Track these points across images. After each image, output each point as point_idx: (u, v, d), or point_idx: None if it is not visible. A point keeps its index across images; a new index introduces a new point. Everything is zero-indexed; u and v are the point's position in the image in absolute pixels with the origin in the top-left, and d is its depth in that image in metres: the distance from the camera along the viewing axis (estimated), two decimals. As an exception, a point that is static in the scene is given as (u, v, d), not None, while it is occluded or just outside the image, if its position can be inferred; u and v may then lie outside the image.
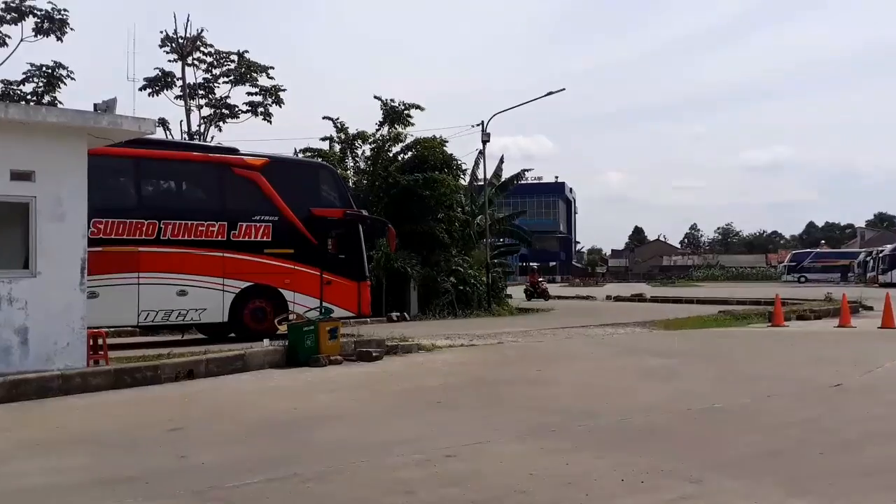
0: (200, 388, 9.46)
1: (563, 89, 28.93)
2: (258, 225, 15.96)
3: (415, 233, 24.72)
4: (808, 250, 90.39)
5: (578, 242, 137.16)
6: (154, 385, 9.57)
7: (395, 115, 26.85)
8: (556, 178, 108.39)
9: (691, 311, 23.71)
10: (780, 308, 18.82)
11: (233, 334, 15.93)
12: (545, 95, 28.94)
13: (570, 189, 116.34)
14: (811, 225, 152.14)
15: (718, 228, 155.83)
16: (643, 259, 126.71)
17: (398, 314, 22.57)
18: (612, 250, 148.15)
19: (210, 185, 16.36)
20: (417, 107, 27.12)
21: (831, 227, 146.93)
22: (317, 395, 9.03)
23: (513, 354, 12.98)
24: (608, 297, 38.90)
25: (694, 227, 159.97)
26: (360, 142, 27.30)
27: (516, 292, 39.31)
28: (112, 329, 15.61)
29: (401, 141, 26.94)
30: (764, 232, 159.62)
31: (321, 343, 11.74)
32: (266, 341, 12.26)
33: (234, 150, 16.76)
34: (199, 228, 15.42)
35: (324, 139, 28.42)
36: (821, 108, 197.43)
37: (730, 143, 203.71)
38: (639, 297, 36.82)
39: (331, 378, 10.31)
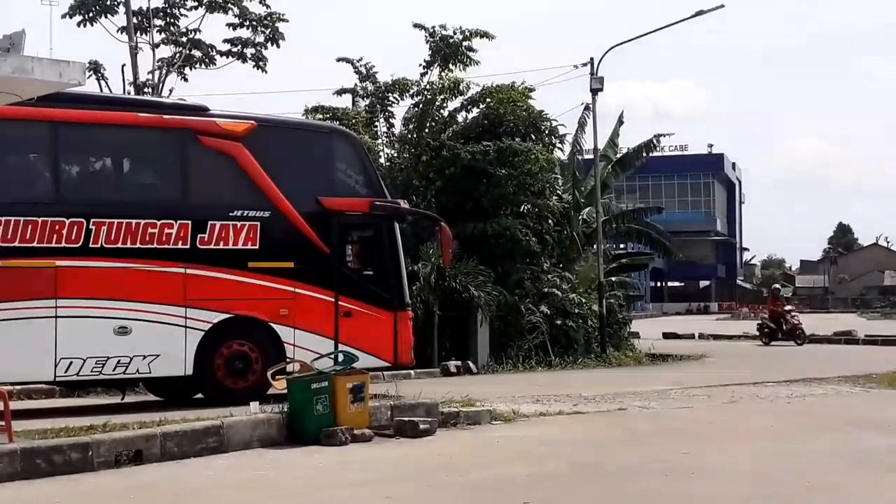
0: (153, 480, 9.57)
1: (723, 6, 28.61)
2: (239, 225, 16.01)
3: (483, 235, 24.78)
4: None
5: (746, 249, 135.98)
6: (83, 473, 9.68)
7: (449, 50, 27.00)
8: (710, 147, 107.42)
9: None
10: None
11: (200, 395, 16.16)
12: (694, 16, 28.69)
13: (734, 165, 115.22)
14: None
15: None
16: (851, 276, 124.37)
17: (458, 363, 22.63)
18: (802, 262, 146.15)
19: (165, 163, 16.59)
20: (484, 35, 27.17)
21: None
22: (332, 493, 9.07)
23: (643, 428, 12.89)
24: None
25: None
26: (396, 94, 27.54)
27: (645, 328, 39.04)
28: (15, 387, 16.00)
29: (460, 92, 27.06)
30: None
31: (339, 409, 11.79)
32: (254, 405, 12.39)
33: (201, 109, 16.88)
34: (149, 231, 15.43)
35: (341, 92, 28.72)
36: None
37: None
38: (846, 337, 36.22)
39: (354, 464, 10.33)
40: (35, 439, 10.23)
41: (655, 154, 35.89)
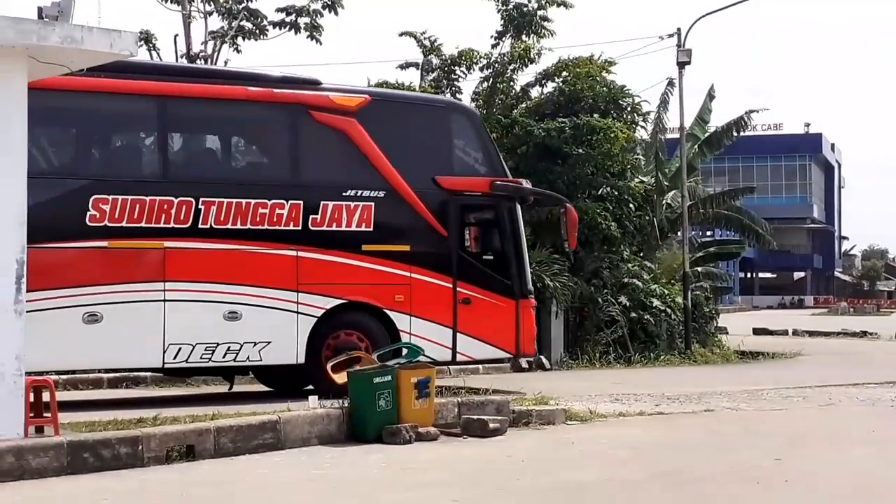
0: (204, 477, 9.71)
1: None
2: (353, 205, 16.18)
3: (559, 220, 24.69)
4: None
5: (846, 238, 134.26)
6: (132, 469, 9.85)
7: (522, 19, 26.92)
8: (807, 126, 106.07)
9: None
10: None
11: (311, 386, 16.14)
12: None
13: (833, 146, 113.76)
14: None
15: None
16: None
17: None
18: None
19: (275, 139, 16.85)
20: (562, 3, 27.05)
21: None
22: (395, 495, 9.12)
23: (731, 432, 12.81)
24: (901, 335, 37.90)
25: None
26: (463, 68, 27.53)
27: (734, 323, 38.76)
28: (62, 377, 16.32)
29: (530, 59, 26.96)
30: None
31: (403, 405, 11.88)
32: (312, 400, 12.52)
33: (313, 83, 16.96)
34: (260, 211, 15.63)
35: (404, 66, 28.75)
36: None
37: None
38: (958, 336, 35.68)
39: (418, 465, 10.39)
40: (83, 432, 10.40)
41: (746, 133, 35.52)
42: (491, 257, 17.10)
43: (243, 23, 29.42)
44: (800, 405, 15.51)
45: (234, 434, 10.82)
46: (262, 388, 17.44)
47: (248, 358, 15.47)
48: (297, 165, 16.40)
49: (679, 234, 29.14)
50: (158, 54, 28.68)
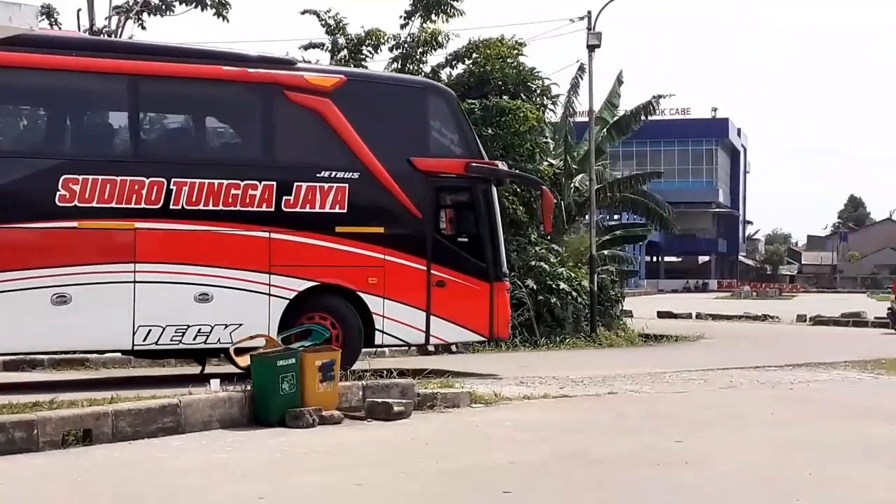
0: (102, 463, 9.57)
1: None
2: (326, 186, 16.15)
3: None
4: None
5: (750, 223, 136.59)
6: (27, 454, 9.70)
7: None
8: (714, 111, 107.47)
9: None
10: None
11: None
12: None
13: (739, 131, 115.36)
14: None
15: None
16: (862, 254, 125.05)
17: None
18: (809, 237, 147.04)
19: (249, 120, 16.80)
20: (472, -19, 27.08)
21: None
22: (297, 478, 9.09)
23: (634, 414, 12.95)
24: (800, 319, 38.58)
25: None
26: (370, 49, 27.42)
27: (639, 306, 39.19)
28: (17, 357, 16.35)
29: (439, 44, 26.96)
30: None
31: (307, 388, 11.83)
32: (214, 383, 12.41)
33: (288, 63, 17.16)
34: (232, 192, 15.60)
35: (309, 47, 28.54)
36: None
37: None
38: (854, 319, 36.55)
39: (322, 448, 10.36)
40: (-26, 416, 10.21)
41: (655, 117, 35.97)
42: (466, 240, 17.21)
43: (151, -1, 29.06)
44: (701, 388, 15.74)
45: (132, 418, 10.67)
46: (231, 370, 17.23)
47: (218, 340, 15.37)
48: (271, 146, 16.41)
49: (587, 217, 29.34)
50: (60, 29, 28.26)
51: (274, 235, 15.74)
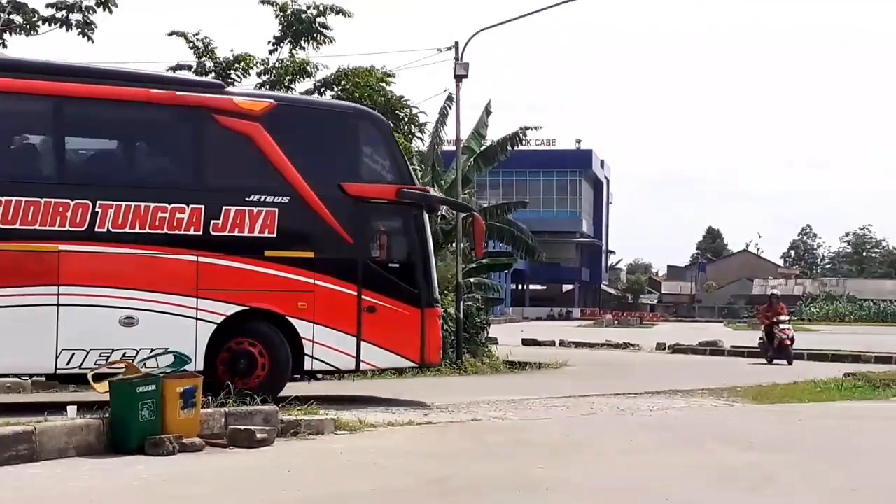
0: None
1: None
2: (256, 210, 16.07)
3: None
4: None
5: (613, 252, 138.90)
6: None
7: (301, 26, 26.87)
8: (579, 142, 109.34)
9: (799, 373, 24.00)
10: (950, 371, 19.14)
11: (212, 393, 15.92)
12: (566, 2, 29.08)
13: (602, 162, 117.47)
14: None
15: (848, 235, 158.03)
16: (719, 284, 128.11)
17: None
18: (669, 268, 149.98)
19: (177, 143, 16.65)
20: (341, 11, 27.14)
21: None
22: (157, 505, 8.93)
23: (497, 440, 13.01)
24: (660, 347, 39.25)
25: (807, 233, 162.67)
26: (239, 73, 27.24)
27: (504, 334, 39.46)
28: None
29: (307, 73, 26.93)
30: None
31: (167, 415, 11.65)
32: (71, 410, 12.15)
33: (217, 86, 16.99)
34: (159, 215, 15.51)
35: (177, 69, 28.17)
36: None
37: (873, 90, 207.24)
38: (712, 348, 37.27)
39: (181, 477, 10.20)
40: None
41: (522, 148, 36.24)
42: (397, 265, 17.12)
43: (12, 16, 28.41)
44: (564, 414, 15.90)
45: (-15, 445, 10.40)
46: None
47: (144, 365, 14.84)
48: (199, 169, 16.22)
49: (453, 245, 29.47)
50: None
51: (202, 259, 15.66)
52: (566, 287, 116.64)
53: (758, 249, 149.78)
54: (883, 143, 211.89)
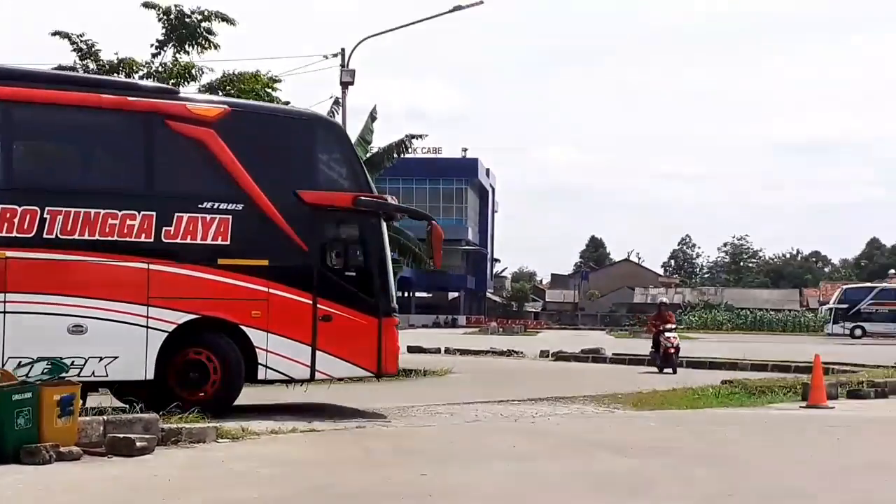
0: None
1: (482, 2, 29.33)
2: (209, 218, 15.87)
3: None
4: (869, 285, 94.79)
5: (498, 261, 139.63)
6: None
7: (185, 31, 26.59)
8: (465, 151, 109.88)
9: (677, 380, 24.40)
10: (821, 378, 19.61)
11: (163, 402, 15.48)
12: (451, 11, 29.30)
13: (488, 171, 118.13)
14: (874, 243, 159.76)
15: (726, 245, 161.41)
16: (601, 292, 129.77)
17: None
18: (553, 276, 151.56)
19: (129, 149, 16.35)
20: (225, 19, 26.96)
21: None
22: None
23: (381, 448, 13.01)
24: (543, 354, 39.54)
25: (687, 242, 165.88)
26: (122, 75, 26.82)
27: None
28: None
29: (192, 77, 26.65)
30: (799, 253, 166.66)
31: (44, 423, 11.42)
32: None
33: (170, 92, 16.77)
34: (109, 222, 15.25)
35: (58, 70, 27.68)
36: None
37: (752, 106, 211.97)
38: (594, 355, 37.61)
39: (57, 486, 10.00)
40: None
41: (408, 156, 36.23)
42: (353, 274, 16.91)
43: None
44: (447, 421, 15.96)
45: None
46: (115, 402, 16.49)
47: (92, 373, 14.94)
48: (151, 176, 16.04)
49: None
50: None
51: (152, 267, 15.46)
52: (452, 295, 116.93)
53: (639, 258, 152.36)
54: (758, 156, 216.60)
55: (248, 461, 11.65)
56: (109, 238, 15.25)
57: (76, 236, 15.07)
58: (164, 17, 26.62)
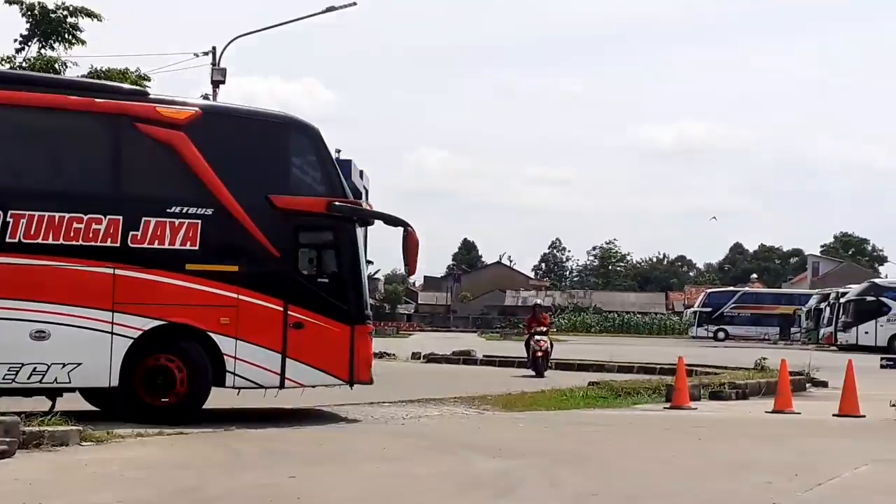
0: None
1: (355, 3, 29.32)
2: (177, 222, 15.54)
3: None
4: (732, 289, 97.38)
5: (371, 262, 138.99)
6: None
7: (49, 25, 26.13)
8: (339, 152, 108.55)
9: (547, 382, 24.70)
10: (685, 379, 20.07)
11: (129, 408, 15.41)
12: (325, 11, 29.23)
13: (361, 173, 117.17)
14: (737, 248, 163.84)
15: (595, 249, 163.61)
16: (474, 294, 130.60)
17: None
18: (426, 278, 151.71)
19: (96, 151, 16.08)
20: (91, 14, 26.56)
21: (768, 253, 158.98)
22: None
23: (250, 451, 12.90)
24: (415, 356, 39.64)
25: (557, 246, 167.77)
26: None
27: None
28: None
29: (58, 73, 26.19)
30: (665, 257, 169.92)
31: None
32: None
33: (140, 94, 16.39)
34: (74, 226, 14.97)
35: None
36: (773, 55, 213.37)
37: (620, 110, 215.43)
38: (465, 357, 37.83)
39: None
40: None
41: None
42: (326, 280, 16.61)
43: None
44: (317, 424, 15.94)
45: None
46: (86, 406, 16.21)
47: (55, 380, 14.66)
48: (118, 179, 15.73)
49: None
50: None
51: (119, 272, 15.15)
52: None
53: (510, 261, 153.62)
54: (627, 161, 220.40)
55: (112, 465, 11.45)
56: (74, 242, 14.99)
57: (40, 240, 14.82)
58: (28, 13, 26.15)
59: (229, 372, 15.67)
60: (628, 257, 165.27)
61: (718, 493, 10.64)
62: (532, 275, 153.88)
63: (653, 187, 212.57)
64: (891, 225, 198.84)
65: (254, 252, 16.14)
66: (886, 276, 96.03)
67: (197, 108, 16.56)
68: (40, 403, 15.60)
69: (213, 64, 28.41)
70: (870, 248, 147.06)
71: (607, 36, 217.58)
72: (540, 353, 29.66)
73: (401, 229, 17.60)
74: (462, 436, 14.85)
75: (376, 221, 18.22)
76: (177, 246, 15.59)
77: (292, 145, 17.31)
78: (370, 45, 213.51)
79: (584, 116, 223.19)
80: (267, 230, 16.12)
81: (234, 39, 29.01)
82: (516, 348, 34.59)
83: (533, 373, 29.33)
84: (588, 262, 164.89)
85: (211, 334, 15.68)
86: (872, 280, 71.13)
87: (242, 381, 15.91)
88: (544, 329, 30.85)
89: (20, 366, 14.59)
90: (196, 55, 29.13)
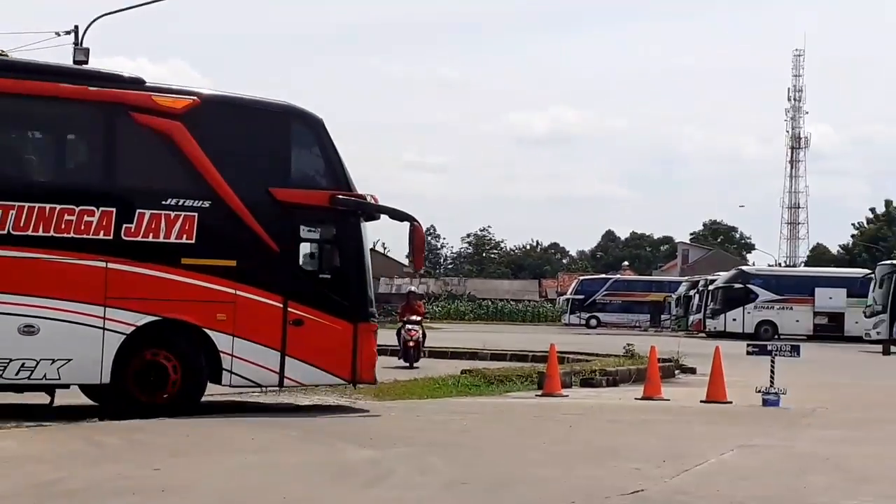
0: None
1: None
2: (173, 215, 15.22)
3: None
4: (604, 276, 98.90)
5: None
6: None
7: None
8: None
9: (420, 371, 24.77)
10: (556, 367, 20.30)
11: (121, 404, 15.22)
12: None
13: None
14: (609, 236, 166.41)
15: (469, 236, 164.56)
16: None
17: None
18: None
19: (90, 141, 16.02)
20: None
21: (639, 241, 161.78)
22: None
23: (113, 442, 12.69)
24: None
25: (431, 233, 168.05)
26: None
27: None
28: None
29: None
30: (538, 244, 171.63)
31: None
32: None
33: (136, 82, 15.94)
34: (66, 218, 14.66)
35: None
36: (645, 43, 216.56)
37: (494, 99, 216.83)
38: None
39: None
40: None
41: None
42: (329, 276, 16.31)
43: None
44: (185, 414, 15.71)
45: None
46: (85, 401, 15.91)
47: (44, 376, 14.37)
48: (112, 170, 15.44)
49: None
50: None
51: (111, 265, 14.90)
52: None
53: (384, 249, 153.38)
54: (500, 148, 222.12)
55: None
56: (65, 235, 14.75)
57: (30, 232, 14.59)
58: None
59: (226, 370, 15.45)
60: (502, 244, 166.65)
61: (587, 479, 10.77)
62: (406, 262, 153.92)
63: (527, 174, 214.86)
64: (758, 213, 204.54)
65: (252, 246, 15.85)
66: (754, 264, 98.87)
67: (195, 97, 16.18)
68: (41, 396, 15.60)
69: (76, 44, 27.74)
70: (738, 235, 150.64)
71: (485, 24, 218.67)
72: (412, 344, 29.45)
73: (407, 224, 17.36)
74: (333, 425, 14.82)
75: (382, 216, 17.92)
76: (172, 239, 15.36)
77: (294, 136, 16.96)
78: (240, 25, 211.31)
79: (458, 102, 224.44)
80: (266, 224, 15.88)
81: (97, 18, 28.37)
82: (389, 336, 34.55)
83: (405, 363, 29.14)
84: (462, 250, 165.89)
85: (207, 331, 15.44)
86: (740, 267, 73.06)
87: (240, 380, 15.72)
88: (418, 319, 30.65)
89: (7, 361, 14.39)
90: (57, 34, 28.45)
